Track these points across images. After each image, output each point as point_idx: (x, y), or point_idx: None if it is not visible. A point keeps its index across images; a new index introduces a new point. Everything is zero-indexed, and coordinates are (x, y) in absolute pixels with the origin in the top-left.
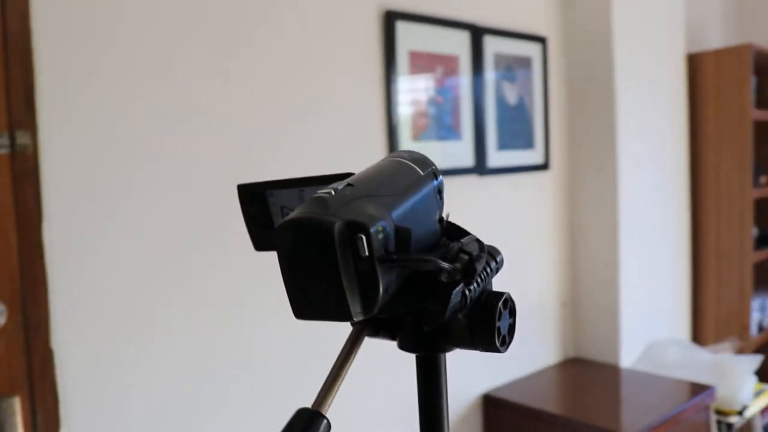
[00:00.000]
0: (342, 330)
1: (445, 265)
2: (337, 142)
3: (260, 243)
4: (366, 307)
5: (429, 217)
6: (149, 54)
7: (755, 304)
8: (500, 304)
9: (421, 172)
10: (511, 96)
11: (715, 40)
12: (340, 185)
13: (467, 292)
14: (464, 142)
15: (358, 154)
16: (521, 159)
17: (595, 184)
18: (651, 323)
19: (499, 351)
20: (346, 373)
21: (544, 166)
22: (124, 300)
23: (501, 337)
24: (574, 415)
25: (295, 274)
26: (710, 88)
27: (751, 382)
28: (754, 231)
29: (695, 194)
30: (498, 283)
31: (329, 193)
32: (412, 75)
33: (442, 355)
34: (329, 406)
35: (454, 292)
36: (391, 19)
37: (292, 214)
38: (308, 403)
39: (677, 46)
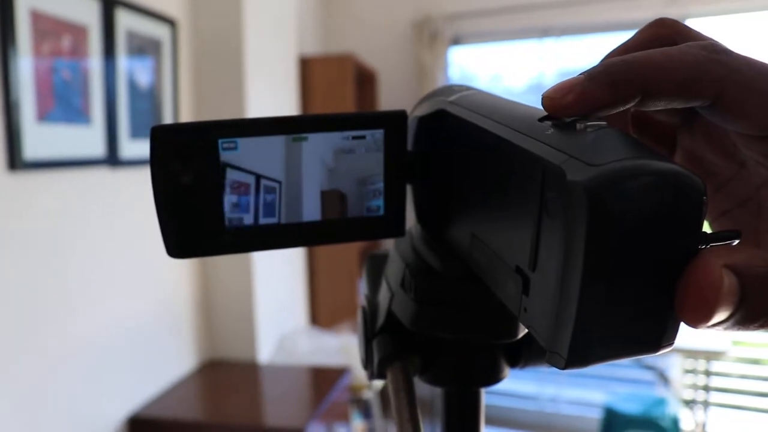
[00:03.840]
0: None
1: None
2: None
3: (189, 241)
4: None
5: None
6: None
7: (362, 287)
8: None
9: None
10: (143, 79)
11: (307, 46)
12: (580, 121)
13: None
14: (94, 127)
15: None
16: None
17: None
18: (279, 316)
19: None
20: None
21: None
22: None
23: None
24: (232, 420)
25: (617, 278)
26: (318, 92)
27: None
28: None
29: None
30: (121, 288)
31: (610, 129)
32: (36, 42)
33: None
34: None
35: None
36: None
37: (624, 163)
38: None
39: (291, 47)
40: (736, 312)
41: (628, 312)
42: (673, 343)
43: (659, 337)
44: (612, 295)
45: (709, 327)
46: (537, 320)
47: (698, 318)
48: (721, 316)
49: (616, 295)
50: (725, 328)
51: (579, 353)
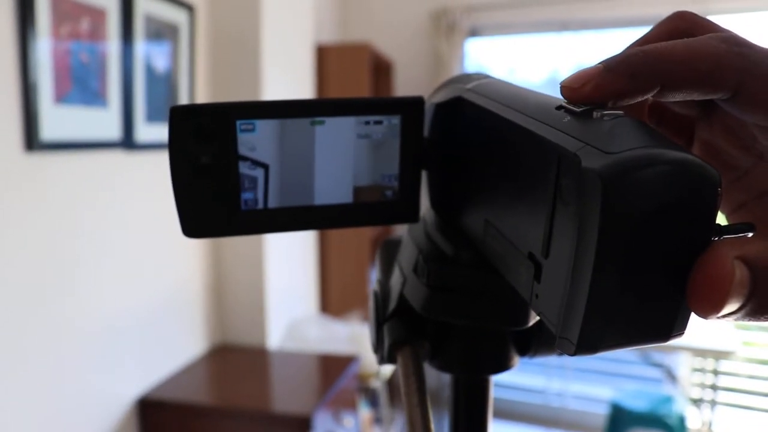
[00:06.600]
0: None
1: None
2: None
3: (204, 221)
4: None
5: None
6: None
7: (373, 276)
8: None
9: None
10: (160, 64)
11: (324, 34)
12: (598, 110)
13: None
14: (111, 110)
15: None
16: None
17: None
18: (289, 303)
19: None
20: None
21: None
22: None
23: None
24: (240, 405)
25: (629, 266)
26: (334, 81)
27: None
28: None
29: None
30: (133, 271)
31: (626, 118)
32: (55, 25)
33: None
34: None
35: None
36: None
37: (639, 151)
38: None
39: (308, 35)
40: (747, 303)
41: (639, 300)
42: (683, 332)
43: (670, 326)
44: (623, 282)
45: (719, 318)
46: (548, 306)
47: (709, 309)
48: (731, 307)
49: (628, 282)
50: (735, 319)
51: (589, 340)
